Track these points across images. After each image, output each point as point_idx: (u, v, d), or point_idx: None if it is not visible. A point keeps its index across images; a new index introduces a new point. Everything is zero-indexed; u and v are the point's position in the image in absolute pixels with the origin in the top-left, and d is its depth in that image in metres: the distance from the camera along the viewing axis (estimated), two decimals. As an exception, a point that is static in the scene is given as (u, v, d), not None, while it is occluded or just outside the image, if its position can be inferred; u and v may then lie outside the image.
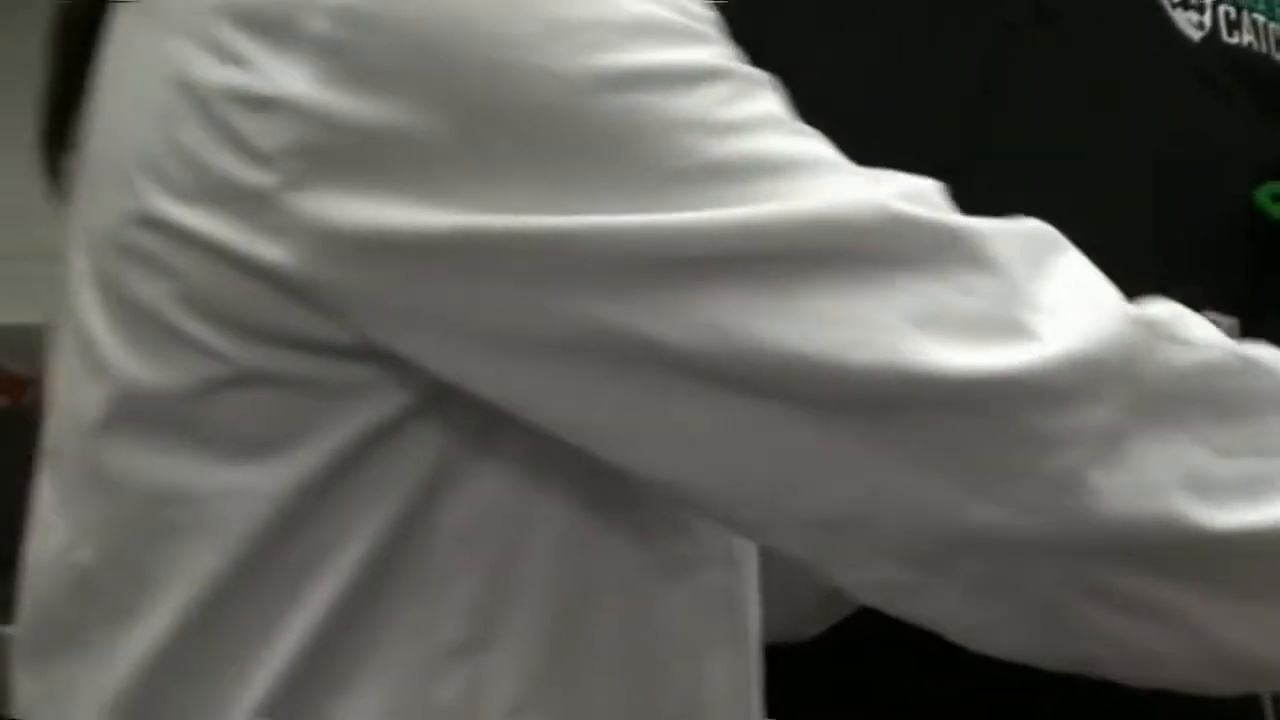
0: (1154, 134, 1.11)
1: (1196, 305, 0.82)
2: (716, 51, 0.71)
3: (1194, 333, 0.71)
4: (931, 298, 0.69)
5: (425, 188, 0.70)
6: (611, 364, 0.71)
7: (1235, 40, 1.14)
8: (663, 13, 0.70)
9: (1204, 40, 1.14)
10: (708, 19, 0.74)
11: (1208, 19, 1.13)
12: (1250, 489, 0.70)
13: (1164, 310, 0.71)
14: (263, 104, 0.71)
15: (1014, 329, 0.68)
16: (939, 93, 1.10)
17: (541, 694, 0.77)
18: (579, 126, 0.69)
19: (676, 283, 0.69)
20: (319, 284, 0.72)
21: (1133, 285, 0.77)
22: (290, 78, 0.70)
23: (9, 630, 1.45)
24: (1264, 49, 1.14)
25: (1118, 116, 1.10)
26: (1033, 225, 0.71)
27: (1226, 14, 1.13)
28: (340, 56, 0.70)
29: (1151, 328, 0.70)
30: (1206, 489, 0.70)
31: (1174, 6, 1.12)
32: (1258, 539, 0.70)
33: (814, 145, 0.70)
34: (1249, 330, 1.19)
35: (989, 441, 0.69)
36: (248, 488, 0.75)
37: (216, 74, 0.72)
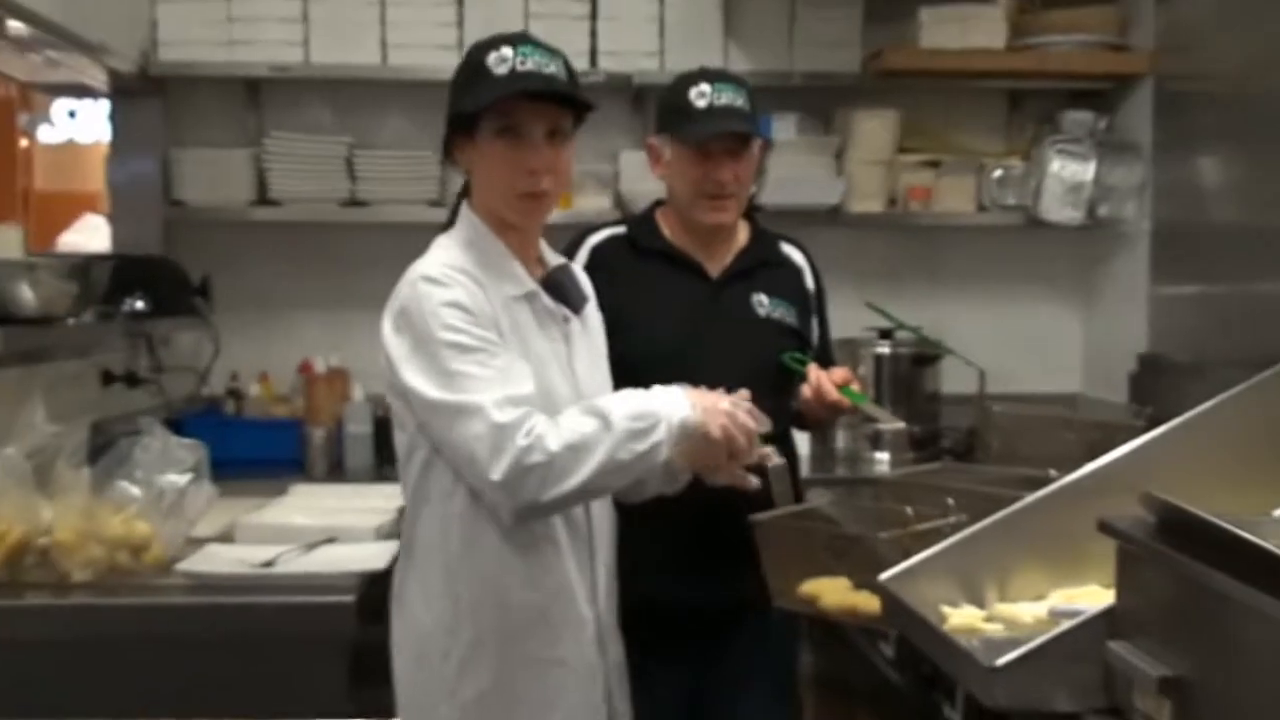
0: (750, 345, 2.47)
1: (768, 410, 2.19)
2: (479, 335, 2.12)
3: (541, 435, 2.09)
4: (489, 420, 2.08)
5: (406, 369, 2.14)
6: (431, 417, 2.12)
7: (776, 317, 2.49)
8: (462, 323, 2.12)
9: (765, 315, 2.50)
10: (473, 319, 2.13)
11: (767, 310, 2.47)
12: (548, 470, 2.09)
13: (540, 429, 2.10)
14: (383, 344, 2.18)
15: (504, 425, 2.09)
16: (676, 332, 2.47)
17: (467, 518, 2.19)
18: (436, 352, 2.10)
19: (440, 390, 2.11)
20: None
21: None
22: (389, 334, 2.17)
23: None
24: (785, 320, 2.50)
25: (743, 341, 2.44)
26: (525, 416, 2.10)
27: (774, 311, 2.48)
28: (392, 321, 2.16)
29: (528, 438, 2.08)
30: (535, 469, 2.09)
31: (759, 306, 2.46)
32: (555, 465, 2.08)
33: (492, 371, 2.11)
34: (783, 424, 2.52)
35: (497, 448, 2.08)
36: (419, 443, 2.20)
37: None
